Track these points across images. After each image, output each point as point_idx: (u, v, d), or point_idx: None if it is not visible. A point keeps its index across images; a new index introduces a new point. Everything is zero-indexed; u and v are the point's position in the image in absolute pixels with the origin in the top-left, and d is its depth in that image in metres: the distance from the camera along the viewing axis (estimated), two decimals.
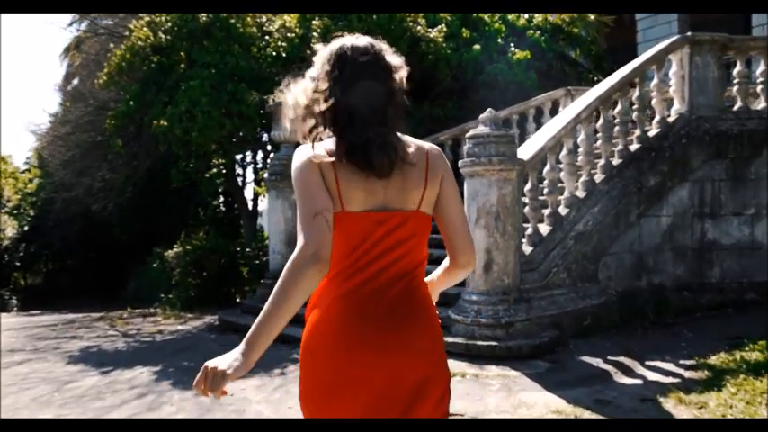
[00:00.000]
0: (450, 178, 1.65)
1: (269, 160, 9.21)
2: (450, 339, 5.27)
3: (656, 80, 7.34)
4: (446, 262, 1.74)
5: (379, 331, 1.52)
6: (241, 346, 1.42)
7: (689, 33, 7.39)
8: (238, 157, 13.46)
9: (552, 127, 6.63)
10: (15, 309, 15.81)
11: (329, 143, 1.56)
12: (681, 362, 5.02)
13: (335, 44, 1.63)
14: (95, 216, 14.24)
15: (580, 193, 6.65)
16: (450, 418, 1.84)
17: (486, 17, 12.15)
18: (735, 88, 7.62)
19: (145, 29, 10.11)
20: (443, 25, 11.08)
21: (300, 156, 1.55)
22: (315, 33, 10.15)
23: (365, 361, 1.51)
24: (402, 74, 1.61)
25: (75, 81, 17.84)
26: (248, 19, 10.65)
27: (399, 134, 1.60)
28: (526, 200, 6.24)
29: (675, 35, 16.03)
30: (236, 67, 9.41)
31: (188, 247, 9.89)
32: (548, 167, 6.45)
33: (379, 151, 1.51)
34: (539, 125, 10.14)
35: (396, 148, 1.54)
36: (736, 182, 7.15)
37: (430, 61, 10.61)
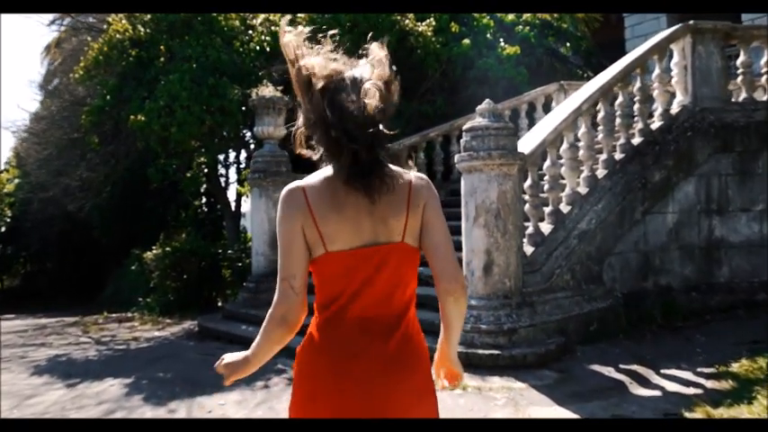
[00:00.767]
0: (435, 205, 1.61)
1: (252, 158, 8.74)
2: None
3: (657, 71, 7.00)
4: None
5: (363, 371, 1.52)
6: (248, 352, 1.66)
7: (691, 21, 7.04)
8: (221, 156, 13.00)
9: (552, 119, 6.26)
10: None
11: (316, 176, 1.57)
12: (699, 370, 4.67)
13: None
14: (75, 217, 13.78)
15: (582, 190, 6.28)
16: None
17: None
18: (739, 79, 7.32)
19: (123, 21, 9.60)
20: (432, 19, 10.72)
21: (283, 201, 1.57)
22: (300, 27, 9.70)
23: (342, 405, 1.52)
24: (393, 88, 1.55)
25: (56, 81, 17.34)
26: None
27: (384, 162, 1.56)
28: (526, 197, 5.85)
29: (664, 30, 15.82)
30: (218, 61, 8.93)
31: (167, 249, 9.40)
32: (548, 162, 6.07)
33: (371, 175, 1.50)
34: (531, 120, 9.83)
35: (385, 172, 1.53)
36: (743, 176, 6.83)
37: (419, 56, 10.24)
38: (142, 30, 9.36)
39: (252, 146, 11.50)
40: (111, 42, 9.26)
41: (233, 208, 12.97)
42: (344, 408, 1.50)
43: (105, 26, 10.04)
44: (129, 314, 9.42)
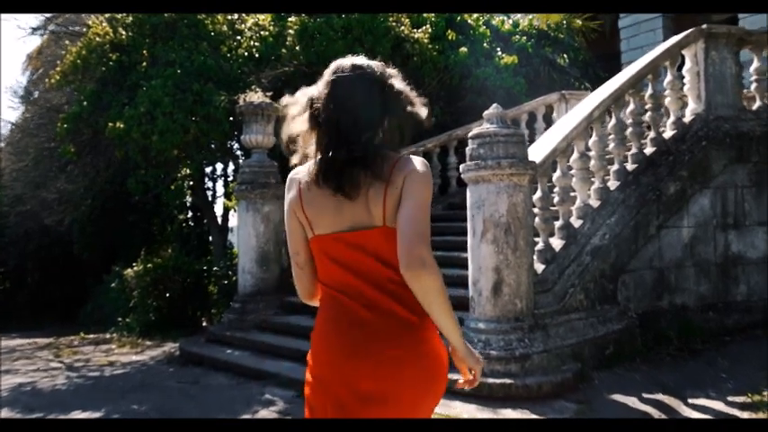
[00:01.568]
0: (414, 179, 1.60)
1: (239, 168, 8.23)
2: (453, 376, 4.36)
3: (669, 77, 6.63)
4: None
5: (344, 338, 1.64)
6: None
7: (704, 26, 6.68)
8: (209, 169, 12.52)
9: (562, 127, 5.84)
10: None
11: (312, 164, 1.67)
12: (730, 399, 4.26)
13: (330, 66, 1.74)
14: (54, 231, 13.17)
15: (594, 202, 5.85)
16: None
17: (470, 20, 11.57)
18: (753, 86, 6.98)
19: (104, 24, 9.12)
20: (428, 26, 10.37)
21: (286, 183, 1.76)
22: (290, 31, 9.31)
23: (328, 362, 1.67)
24: (393, 83, 1.71)
25: (37, 93, 16.82)
26: (218, 16, 9.76)
27: (383, 150, 1.63)
28: (535, 210, 5.41)
29: (660, 43, 15.67)
30: (204, 66, 8.45)
31: (149, 266, 8.84)
32: (558, 172, 5.65)
33: (340, 175, 1.60)
34: (532, 131, 9.47)
35: (363, 169, 1.59)
36: (760, 188, 6.47)
37: (415, 63, 9.85)
38: (124, 33, 8.87)
39: (241, 158, 11.03)
40: (91, 46, 8.75)
41: (220, 222, 12.45)
42: (325, 362, 1.67)
43: (85, 29, 9.56)
44: (108, 335, 8.83)
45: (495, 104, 5.04)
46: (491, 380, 4.44)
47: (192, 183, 11.37)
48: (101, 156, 9.61)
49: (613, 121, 6.17)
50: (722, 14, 13.00)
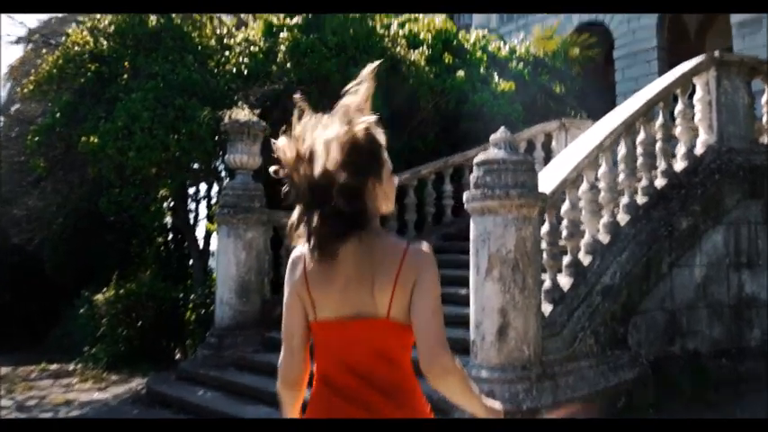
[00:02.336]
0: (428, 279, 1.55)
1: (222, 190, 7.72)
2: None
3: (680, 106, 6.29)
4: None
5: None
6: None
7: (716, 53, 6.38)
8: (191, 190, 11.95)
9: (572, 156, 5.43)
10: None
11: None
12: None
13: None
14: (24, 251, 12.50)
15: (603, 237, 5.43)
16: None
17: (467, 45, 11.33)
18: (764, 118, 6.67)
19: (84, 32, 8.64)
20: (424, 47, 10.06)
21: (289, 264, 1.69)
22: (282, 48, 8.91)
23: None
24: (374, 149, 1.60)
25: (18, 105, 16.28)
26: (207, 30, 9.35)
27: (376, 232, 1.59)
28: (543, 245, 4.95)
29: (654, 74, 15.52)
30: (188, 80, 7.97)
31: (121, 292, 8.24)
32: (567, 205, 5.22)
33: (327, 244, 1.55)
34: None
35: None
36: None
37: (411, 86, 9.50)
38: (105, 43, 8.40)
39: (226, 179, 10.52)
40: (69, 55, 8.26)
41: (201, 246, 11.86)
42: None
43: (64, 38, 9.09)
44: (72, 366, 8.16)
45: (502, 128, 4.61)
46: None
47: (173, 203, 10.80)
48: (74, 172, 9.04)
49: (624, 150, 5.78)
50: (720, 45, 12.85)
